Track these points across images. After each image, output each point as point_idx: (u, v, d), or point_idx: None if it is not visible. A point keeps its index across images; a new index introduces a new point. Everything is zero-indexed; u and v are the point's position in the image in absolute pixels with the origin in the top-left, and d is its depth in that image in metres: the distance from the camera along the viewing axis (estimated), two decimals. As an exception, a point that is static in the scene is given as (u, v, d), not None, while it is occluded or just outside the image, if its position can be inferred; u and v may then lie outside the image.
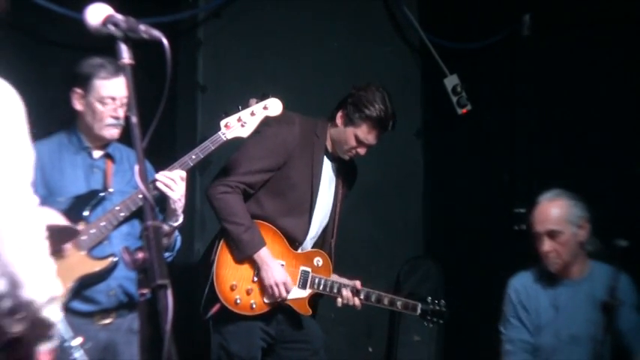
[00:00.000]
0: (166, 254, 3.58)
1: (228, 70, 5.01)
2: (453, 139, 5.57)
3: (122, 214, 3.38)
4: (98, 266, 3.35)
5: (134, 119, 2.04)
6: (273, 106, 3.68)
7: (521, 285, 3.87)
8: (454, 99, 5.50)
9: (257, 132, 3.73)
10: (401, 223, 5.70)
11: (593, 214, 3.72)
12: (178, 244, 3.68)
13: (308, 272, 4.00)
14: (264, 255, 3.86)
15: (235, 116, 3.60)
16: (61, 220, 3.27)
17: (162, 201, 3.43)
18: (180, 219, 3.50)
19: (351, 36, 5.35)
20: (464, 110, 5.50)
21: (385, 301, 4.08)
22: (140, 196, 3.35)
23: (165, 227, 3.46)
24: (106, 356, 3.43)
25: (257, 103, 3.66)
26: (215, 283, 3.82)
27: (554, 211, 3.72)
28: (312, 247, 4.09)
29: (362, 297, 4.03)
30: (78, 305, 3.34)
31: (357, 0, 5.51)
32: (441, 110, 5.58)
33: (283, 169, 3.92)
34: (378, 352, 5.50)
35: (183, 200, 3.44)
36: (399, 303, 4.10)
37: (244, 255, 3.86)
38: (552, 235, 3.70)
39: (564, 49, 4.93)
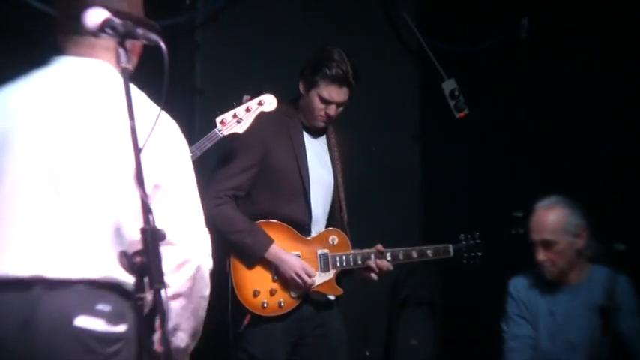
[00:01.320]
0: None
1: (226, 73, 5.01)
2: (451, 142, 5.56)
3: None
4: None
5: (131, 123, 2.04)
6: (268, 102, 3.69)
7: (522, 286, 3.86)
8: (452, 103, 5.50)
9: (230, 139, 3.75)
10: (398, 226, 5.69)
11: (592, 219, 3.71)
12: None
13: (326, 254, 3.94)
14: (275, 251, 3.82)
15: (230, 113, 3.62)
16: None
17: None
18: None
19: (349, 39, 5.34)
20: (461, 114, 5.50)
21: (414, 254, 4.05)
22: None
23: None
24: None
25: (251, 99, 3.67)
26: (238, 295, 3.78)
27: (550, 219, 3.69)
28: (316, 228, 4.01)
29: (389, 259, 3.99)
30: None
31: (355, 4, 5.51)
32: (439, 114, 5.58)
33: (265, 162, 3.88)
34: (375, 355, 5.50)
35: None
36: (429, 251, 4.07)
37: (255, 258, 3.82)
38: (547, 244, 3.67)
39: (562, 53, 4.94)
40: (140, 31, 2.12)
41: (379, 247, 4.01)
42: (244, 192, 3.89)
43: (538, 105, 5.07)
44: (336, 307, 4.09)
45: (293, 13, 5.24)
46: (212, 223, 3.74)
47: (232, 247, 3.81)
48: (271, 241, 3.83)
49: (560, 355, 3.69)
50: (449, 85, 5.52)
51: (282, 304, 3.84)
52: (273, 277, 3.85)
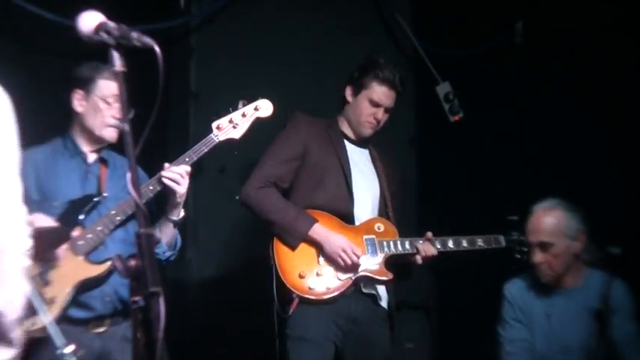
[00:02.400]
0: (168, 253, 3.61)
1: (221, 77, 5.01)
2: (446, 146, 5.57)
3: (118, 217, 3.38)
4: (97, 270, 3.34)
5: (126, 127, 2.04)
6: (264, 107, 3.70)
7: (517, 290, 3.85)
8: (446, 106, 5.51)
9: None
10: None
11: (588, 223, 3.70)
12: (179, 242, 3.67)
13: (372, 238, 3.90)
14: (319, 230, 3.78)
15: (227, 118, 3.61)
16: (52, 224, 3.26)
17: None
18: (182, 212, 3.53)
19: (343, 43, 5.36)
20: (456, 117, 5.51)
21: (464, 243, 4.04)
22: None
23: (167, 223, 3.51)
24: (99, 364, 3.42)
25: (247, 104, 3.67)
26: (283, 279, 3.71)
27: (548, 222, 3.67)
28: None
29: (439, 246, 3.97)
30: (74, 312, 3.33)
31: (349, 7, 5.52)
32: (434, 118, 5.58)
33: (307, 159, 3.91)
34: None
35: (185, 195, 3.48)
36: (479, 241, 4.06)
37: (299, 237, 3.77)
38: (544, 246, 3.65)
39: (557, 57, 4.94)
40: (135, 34, 2.11)
41: (429, 234, 3.98)
42: (286, 184, 3.90)
43: (533, 108, 5.08)
44: (387, 323, 4.05)
45: (288, 17, 5.25)
46: (255, 204, 3.80)
47: (275, 228, 3.78)
48: (315, 221, 3.80)
49: (556, 359, 3.68)
50: (443, 88, 5.53)
51: (330, 287, 3.76)
52: (318, 260, 3.79)
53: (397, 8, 5.62)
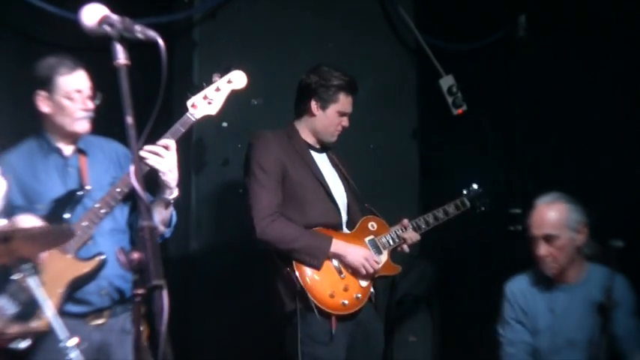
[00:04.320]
0: (165, 231, 3.55)
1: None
2: (449, 139, 5.56)
3: (103, 210, 3.35)
4: (87, 267, 3.33)
5: (129, 120, 2.04)
6: (237, 79, 3.62)
7: (518, 288, 3.86)
8: (449, 99, 5.50)
9: (244, 168, 3.93)
10: (397, 221, 5.69)
11: (590, 216, 3.71)
12: (174, 219, 3.60)
13: (373, 239, 4.10)
14: (338, 245, 3.91)
15: (200, 94, 3.53)
16: (42, 224, 3.24)
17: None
18: (176, 192, 3.43)
19: (346, 36, 5.35)
20: (459, 111, 5.50)
21: (440, 214, 4.34)
22: (118, 190, 3.35)
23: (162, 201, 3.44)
24: (99, 357, 3.41)
25: (220, 77, 3.60)
26: (319, 304, 3.80)
27: (552, 215, 3.70)
28: (348, 227, 4.13)
29: (423, 226, 4.25)
30: (71, 308, 3.32)
31: (352, 1, 5.51)
32: (437, 111, 5.57)
33: (286, 178, 3.95)
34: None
35: (175, 172, 3.38)
36: (450, 209, 4.38)
37: (323, 257, 3.87)
38: (548, 239, 3.67)
39: (559, 50, 4.94)
40: (138, 27, 2.11)
41: (405, 221, 4.21)
42: (281, 208, 3.92)
43: (535, 102, 5.07)
44: (380, 318, 4.24)
45: (290, 10, 5.24)
46: (273, 239, 3.82)
47: (298, 253, 3.83)
48: (331, 237, 3.92)
49: (561, 353, 3.69)
50: (447, 81, 5.52)
51: (359, 296, 3.92)
52: (340, 275, 3.92)
53: (400, 1, 5.61)
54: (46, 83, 3.39)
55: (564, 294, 3.75)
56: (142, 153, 3.28)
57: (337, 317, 3.84)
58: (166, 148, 3.33)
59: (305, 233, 3.88)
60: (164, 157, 3.32)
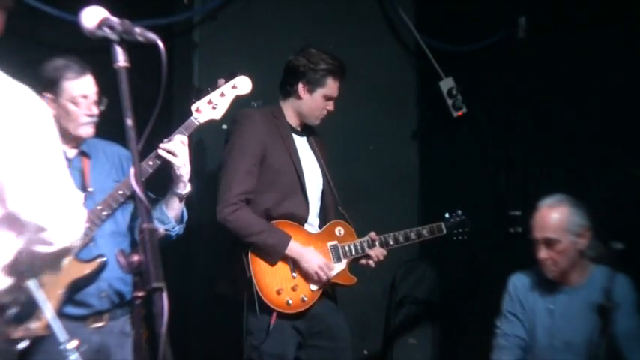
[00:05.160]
0: (177, 228, 3.57)
1: (224, 72, 4.99)
2: (449, 141, 5.57)
3: (105, 213, 3.38)
4: (87, 269, 3.34)
5: (130, 122, 2.04)
6: (242, 85, 3.66)
7: (521, 284, 3.86)
8: (449, 101, 5.50)
9: (225, 143, 3.89)
10: (396, 224, 5.68)
11: (593, 219, 3.70)
12: (186, 216, 3.64)
13: (336, 245, 4.09)
14: (295, 247, 3.92)
15: (205, 99, 3.56)
16: None
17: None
18: (188, 187, 3.49)
19: (346, 38, 5.34)
20: (459, 113, 5.49)
21: (412, 235, 4.24)
22: (120, 192, 3.37)
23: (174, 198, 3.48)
24: (98, 359, 3.41)
25: (225, 82, 3.63)
26: (262, 296, 3.83)
27: (553, 218, 3.68)
28: (320, 223, 4.15)
29: (391, 242, 4.19)
30: (71, 310, 3.33)
31: (352, 2, 5.51)
32: (437, 113, 5.57)
33: (264, 161, 3.96)
34: (373, 354, 5.49)
35: (188, 167, 3.44)
36: (424, 232, 4.28)
37: (278, 256, 3.89)
38: (549, 243, 3.66)
39: (560, 52, 4.93)
40: (138, 29, 2.11)
41: (372, 235, 4.16)
42: (253, 195, 3.93)
43: (536, 104, 5.07)
44: (340, 311, 4.19)
45: (290, 11, 5.24)
46: (233, 228, 3.84)
47: (253, 248, 3.86)
48: (290, 238, 3.92)
49: (558, 355, 3.68)
50: (447, 83, 5.51)
51: (305, 299, 3.93)
52: (292, 275, 3.93)
53: (400, 3, 5.61)
54: (53, 86, 3.40)
55: (565, 296, 3.74)
56: (162, 146, 3.37)
57: (278, 314, 3.85)
58: (183, 143, 3.40)
59: (264, 229, 3.88)
60: (180, 151, 3.39)
